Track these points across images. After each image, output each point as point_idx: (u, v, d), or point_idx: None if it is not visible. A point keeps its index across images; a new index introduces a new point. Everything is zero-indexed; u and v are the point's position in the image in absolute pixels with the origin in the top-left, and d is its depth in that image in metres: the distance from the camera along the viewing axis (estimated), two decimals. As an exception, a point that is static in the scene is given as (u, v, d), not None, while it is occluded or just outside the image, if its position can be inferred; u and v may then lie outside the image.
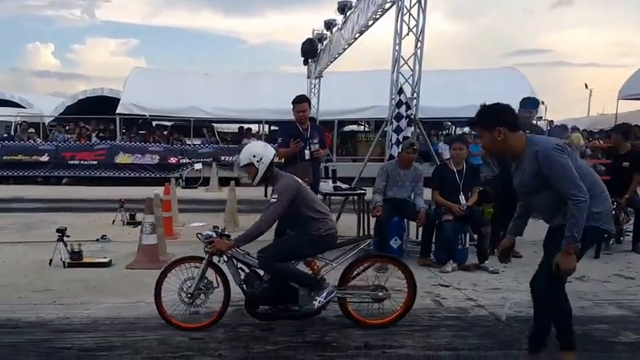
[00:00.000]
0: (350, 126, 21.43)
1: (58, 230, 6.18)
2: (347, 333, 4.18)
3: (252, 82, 18.62)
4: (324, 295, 4.13)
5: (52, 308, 4.67)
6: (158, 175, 15.21)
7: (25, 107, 23.22)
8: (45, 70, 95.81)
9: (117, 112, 16.83)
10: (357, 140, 18.57)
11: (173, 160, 15.45)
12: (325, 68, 11.85)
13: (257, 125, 20.04)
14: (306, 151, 6.21)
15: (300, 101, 6.37)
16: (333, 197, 6.79)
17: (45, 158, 15.58)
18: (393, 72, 7.26)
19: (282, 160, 6.45)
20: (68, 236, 6.23)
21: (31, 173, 15.68)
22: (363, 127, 22.54)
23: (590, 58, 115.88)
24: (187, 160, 15.28)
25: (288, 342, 3.99)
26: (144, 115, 17.35)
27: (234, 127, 21.53)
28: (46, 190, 14.20)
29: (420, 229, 6.48)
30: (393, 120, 7.03)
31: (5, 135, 17.67)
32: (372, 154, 8.07)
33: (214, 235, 4.25)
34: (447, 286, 5.44)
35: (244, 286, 4.26)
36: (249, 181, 4.48)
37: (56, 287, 5.31)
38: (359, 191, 6.59)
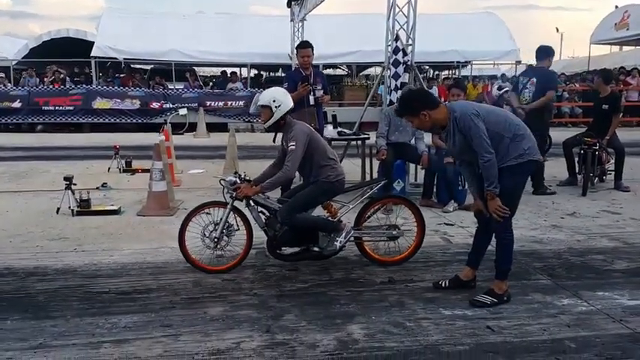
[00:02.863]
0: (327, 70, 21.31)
1: (65, 178, 6.21)
2: (370, 270, 4.47)
3: (234, 25, 18.13)
4: (343, 235, 4.37)
5: (75, 255, 4.80)
6: (140, 121, 15.02)
7: (-16, 50, 22.18)
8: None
9: (91, 54, 16.22)
10: (343, 85, 18.52)
11: (156, 105, 15.20)
12: (310, 11, 11.66)
13: (239, 69, 19.72)
14: (311, 97, 6.28)
15: (305, 46, 6.38)
16: (335, 142, 6.90)
17: (17, 104, 15.12)
18: (389, 19, 7.31)
19: None
20: (75, 184, 6.26)
21: (2, 120, 15.26)
22: (345, 72, 22.47)
23: (558, 1, 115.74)
24: (171, 106, 15.05)
25: (316, 280, 4.26)
26: (117, 58, 16.78)
27: (216, 71, 21.12)
28: (24, 137, 13.94)
29: (421, 171, 6.76)
30: (391, 66, 7.14)
31: (-28, 80, 16.94)
32: (355, 99, 8.22)
33: (238, 181, 4.40)
34: (451, 225, 5.81)
35: (267, 228, 4.45)
36: (262, 124, 4.64)
37: (72, 235, 5.41)
38: (363, 136, 6.74)
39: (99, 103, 15.08)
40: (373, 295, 3.97)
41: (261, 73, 21.91)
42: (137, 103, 15.26)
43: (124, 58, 16.93)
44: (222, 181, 4.50)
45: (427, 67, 20.70)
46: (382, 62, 7.77)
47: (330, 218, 4.55)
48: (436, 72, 22.77)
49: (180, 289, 4.08)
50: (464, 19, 19.25)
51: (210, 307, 3.75)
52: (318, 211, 4.68)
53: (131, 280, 4.23)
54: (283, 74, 21.81)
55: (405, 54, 7.12)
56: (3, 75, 16.67)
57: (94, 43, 16.85)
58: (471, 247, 4.13)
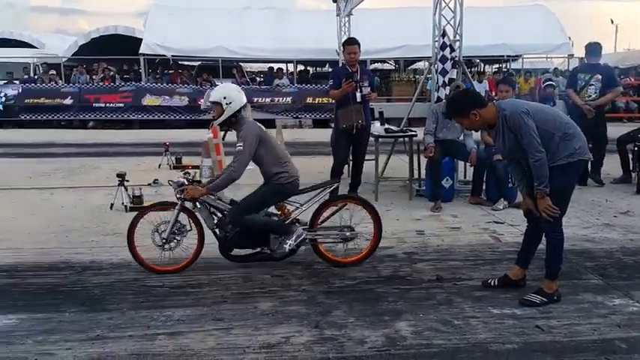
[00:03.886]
0: (374, 65, 21.14)
1: (118, 175, 6.40)
2: (418, 268, 4.46)
3: (280, 20, 18.21)
4: (293, 238, 4.33)
5: (129, 250, 4.93)
6: (188, 118, 15.30)
7: (37, 47, 22.83)
8: (43, 5, 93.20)
9: (140, 52, 16.58)
10: (390, 80, 18.38)
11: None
12: (356, 6, 11.61)
13: (285, 65, 19.80)
14: (358, 94, 6.26)
15: (351, 43, 6.36)
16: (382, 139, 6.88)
17: (68, 101, 15.57)
18: (435, 14, 7.23)
19: (334, 100, 6.56)
20: (127, 181, 6.46)
21: (55, 117, 15.72)
22: (393, 67, 22.30)
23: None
24: (218, 102, 15.24)
25: (364, 277, 4.28)
26: (166, 56, 17.08)
27: (263, 67, 21.25)
28: (75, 134, 14.39)
29: (470, 169, 6.67)
30: (438, 62, 7.06)
31: (25, 77, 17.52)
32: (402, 95, 8.12)
33: (186, 183, 4.38)
34: (501, 223, 5.72)
35: (217, 230, 4.45)
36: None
37: (125, 230, 5.53)
38: (410, 133, 6.69)
39: (148, 100, 15.45)
40: (421, 292, 3.97)
41: (308, 68, 21.92)
42: (185, 100, 15.55)
43: (172, 55, 17.21)
44: (170, 182, 4.50)
45: (477, 60, 20.29)
46: (429, 57, 7.68)
47: (282, 219, 4.50)
48: (486, 66, 22.27)
49: (230, 284, 4.17)
50: (513, 11, 18.74)
51: (260, 302, 3.82)
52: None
53: (184, 275, 4.34)
54: (330, 69, 21.85)
55: (452, 50, 7.03)
56: (54, 72, 17.07)
57: (142, 40, 17.12)
58: (520, 246, 4.06)
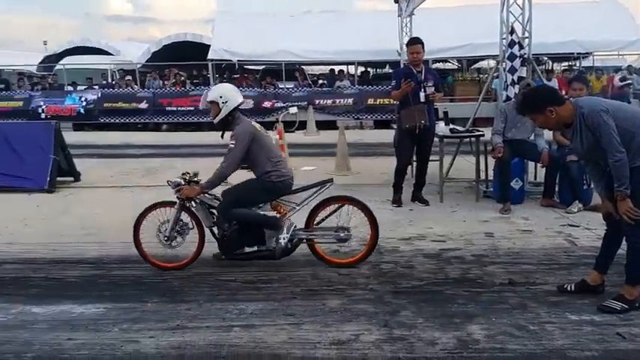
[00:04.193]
0: (436, 64, 20.84)
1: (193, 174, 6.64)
2: (488, 271, 4.39)
3: (340, 22, 18.31)
4: (285, 231, 4.37)
5: (207, 246, 5.01)
6: (253, 120, 15.63)
7: (113, 54, 24.12)
8: (118, 14, 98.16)
9: (208, 57, 17.14)
10: (454, 80, 18.10)
11: (267, 104, 15.81)
12: (418, 6, 11.53)
13: (346, 67, 19.91)
14: (421, 94, 6.21)
15: (414, 43, 6.33)
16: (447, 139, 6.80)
17: (144, 105, 16.30)
18: (502, 11, 7.08)
19: (397, 101, 6.55)
20: (201, 179, 6.68)
21: (131, 120, 16.50)
22: (456, 66, 21.94)
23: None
24: (282, 104, 15.57)
25: (432, 279, 4.26)
26: (232, 61, 17.59)
27: (325, 69, 21.47)
28: (150, 136, 15.02)
29: (541, 170, 6.48)
30: (506, 60, 6.91)
31: (104, 82, 18.52)
32: (466, 94, 7.96)
33: (183, 183, 4.46)
34: (576, 226, 5.53)
35: (214, 228, 4.51)
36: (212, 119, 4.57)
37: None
38: (477, 133, 6.57)
39: (201, 105, 15.87)
40: (492, 296, 3.90)
41: (368, 70, 21.92)
42: (250, 103, 15.89)
43: (238, 60, 17.65)
44: (169, 182, 4.60)
45: (545, 58, 19.57)
46: (494, 55, 7.53)
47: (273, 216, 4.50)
48: (554, 64, 21.42)
49: (299, 281, 4.26)
50: (583, 7, 17.91)
51: (328, 299, 3.89)
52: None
53: (254, 271, 4.47)
54: (391, 70, 21.74)
55: (521, 47, 6.86)
56: (130, 77, 17.96)
57: (209, 46, 17.69)
58: (599, 251, 3.91)
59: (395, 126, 7.35)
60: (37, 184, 7.50)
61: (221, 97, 4.37)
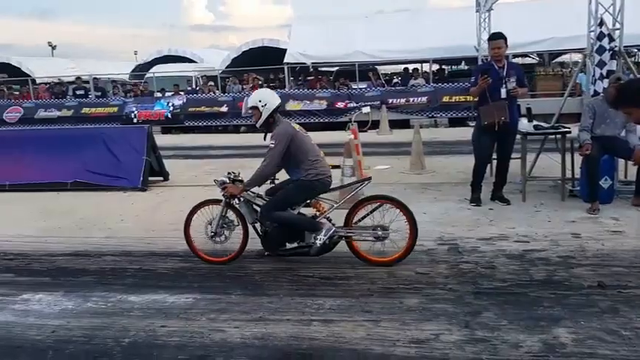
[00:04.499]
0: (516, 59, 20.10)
1: None
2: (575, 273, 4.21)
3: (414, 21, 18.15)
4: (323, 233, 4.44)
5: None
6: (326, 120, 15.86)
7: (196, 62, 25.42)
8: (200, 24, 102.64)
9: (284, 61, 17.55)
10: (535, 75, 17.42)
11: (340, 105, 15.91)
12: (497, 0, 11.21)
13: (420, 65, 19.67)
14: (502, 90, 6.04)
15: (496, 38, 6.15)
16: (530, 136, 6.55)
17: (224, 109, 16.88)
18: (591, 2, 6.75)
19: (475, 98, 6.40)
20: (277, 179, 6.87)
21: (212, 123, 17.20)
22: (536, 60, 21.08)
23: None
24: (355, 104, 15.65)
25: (516, 280, 4.14)
26: (306, 64, 17.89)
27: (398, 69, 21.37)
28: (230, 138, 15.56)
29: (632, 168, 6.11)
30: (595, 54, 6.58)
31: (189, 88, 19.46)
32: (548, 90, 7.60)
33: (227, 181, 4.62)
34: (672, 227, 5.17)
35: (257, 225, 4.68)
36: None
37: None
38: (563, 129, 6.28)
39: (291, 105, 16.20)
40: (580, 299, 3.75)
41: (443, 67, 21.53)
42: (324, 104, 16.12)
43: (312, 63, 17.97)
44: (215, 181, 4.75)
45: (636, 50, 18.36)
46: (579, 49, 7.19)
47: (315, 216, 4.61)
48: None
49: (376, 278, 4.28)
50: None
51: (406, 297, 3.89)
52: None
53: (331, 268, 4.55)
54: (466, 67, 21.21)
55: (611, 39, 6.51)
56: (212, 83, 18.81)
57: (285, 50, 18.15)
58: None
59: (471, 123, 7.18)
60: (132, 184, 8.04)
61: (260, 101, 4.58)
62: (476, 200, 6.35)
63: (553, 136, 6.51)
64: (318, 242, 4.45)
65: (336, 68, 19.53)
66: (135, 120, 16.88)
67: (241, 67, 20.33)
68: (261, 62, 19.52)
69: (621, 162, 6.52)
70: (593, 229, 5.25)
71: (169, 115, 17.15)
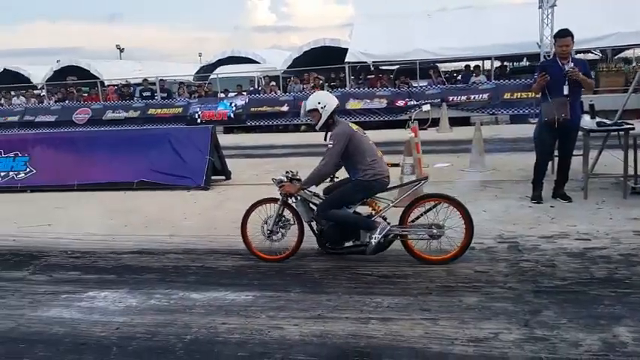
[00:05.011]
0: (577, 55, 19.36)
1: None
2: (637, 271, 4.11)
3: (476, 17, 17.84)
4: (378, 232, 4.48)
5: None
6: (386, 118, 15.82)
7: (259, 62, 25.86)
8: (263, 25, 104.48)
9: (345, 60, 17.63)
10: (597, 71, 16.77)
11: (400, 102, 15.81)
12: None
13: (482, 62, 19.28)
14: (565, 87, 5.91)
15: (563, 35, 6.02)
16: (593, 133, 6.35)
17: (285, 108, 17.12)
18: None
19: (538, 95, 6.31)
20: (337, 177, 6.97)
21: (273, 122, 17.49)
22: (598, 56, 20.20)
23: None
24: (415, 102, 15.52)
25: (576, 278, 4.08)
26: (367, 63, 17.89)
27: (459, 66, 21.01)
28: (290, 137, 15.75)
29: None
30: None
31: (251, 89, 19.84)
32: (611, 85, 7.31)
33: (285, 180, 4.67)
34: None
35: (313, 223, 4.73)
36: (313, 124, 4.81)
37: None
38: (627, 126, 6.05)
39: (352, 104, 16.26)
40: (643, 298, 3.65)
41: (505, 64, 20.98)
42: (384, 102, 16.07)
43: (373, 62, 17.98)
44: (273, 179, 4.80)
45: None
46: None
47: (371, 215, 4.63)
48: None
49: (434, 277, 4.31)
50: None
51: (465, 296, 3.90)
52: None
53: (389, 266, 4.61)
54: (528, 64, 20.55)
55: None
56: (274, 83, 19.10)
57: (346, 49, 18.24)
58: None
59: (533, 120, 7.04)
60: (195, 183, 8.33)
61: (319, 103, 4.66)
62: (537, 198, 6.25)
63: (616, 133, 6.29)
64: (373, 241, 4.51)
65: (397, 66, 19.43)
66: (199, 120, 17.35)
67: (303, 66, 20.51)
68: (323, 62, 19.67)
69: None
70: (658, 227, 5.06)
71: (232, 115, 17.57)
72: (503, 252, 4.69)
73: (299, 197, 4.81)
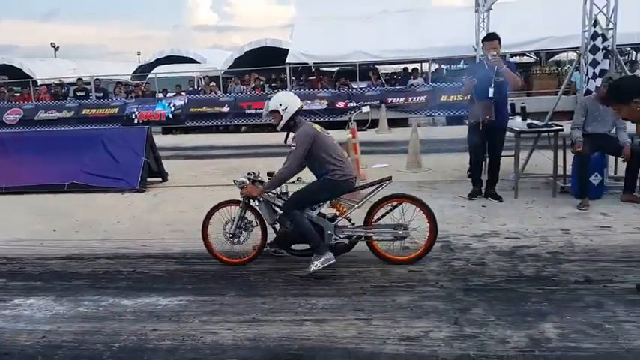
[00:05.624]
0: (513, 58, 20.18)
1: (268, 174, 6.76)
2: (563, 268, 4.28)
3: (416, 21, 18.23)
4: (321, 260, 4.36)
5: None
6: (327, 120, 15.91)
7: (199, 62, 25.43)
8: (204, 24, 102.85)
9: (286, 61, 17.60)
10: (531, 74, 17.50)
11: (341, 104, 15.98)
12: (496, 0, 11.30)
13: (420, 64, 19.72)
14: (490, 89, 6.09)
15: (491, 39, 6.25)
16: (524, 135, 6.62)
17: (225, 109, 16.95)
18: (586, 3, 6.84)
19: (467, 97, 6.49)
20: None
21: (214, 123, 17.25)
22: (533, 59, 21.13)
23: None
24: (355, 104, 15.71)
25: (505, 276, 4.21)
26: (308, 64, 17.94)
27: (399, 68, 21.43)
28: (231, 138, 15.57)
29: (622, 164, 6.20)
30: (588, 53, 6.68)
31: (190, 89, 19.49)
32: (544, 88, 7.71)
33: (247, 182, 4.62)
34: (658, 222, 5.26)
35: (276, 225, 4.68)
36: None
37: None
38: (556, 127, 6.35)
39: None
40: (567, 294, 3.82)
41: (442, 66, 21.62)
42: (325, 103, 16.19)
43: (314, 63, 18.02)
44: (234, 181, 4.75)
45: (629, 49, 18.41)
46: (575, 47, 7.26)
47: (335, 217, 4.61)
48: (638, 54, 20.08)
49: (369, 277, 4.35)
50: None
51: (398, 295, 3.95)
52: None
53: (326, 267, 4.50)
54: (465, 66, 21.19)
55: (604, 39, 6.61)
56: (214, 83, 18.80)
57: (287, 50, 18.19)
58: None
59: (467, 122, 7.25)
60: (130, 185, 8.08)
61: (280, 104, 4.57)
62: (473, 194, 6.50)
63: (546, 134, 6.59)
64: (311, 268, 4.38)
65: (337, 68, 19.59)
66: (136, 121, 16.93)
67: (244, 67, 20.36)
68: (265, 62, 19.57)
69: (611, 159, 6.63)
70: (582, 225, 5.34)
71: (170, 116, 17.20)
72: (436, 251, 4.77)
73: (261, 199, 4.72)
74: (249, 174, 4.78)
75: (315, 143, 4.49)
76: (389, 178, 4.73)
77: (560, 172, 6.63)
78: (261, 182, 4.72)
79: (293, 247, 4.72)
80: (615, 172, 6.92)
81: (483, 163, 6.78)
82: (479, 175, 6.53)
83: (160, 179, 8.76)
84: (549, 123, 6.60)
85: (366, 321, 3.58)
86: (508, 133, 6.44)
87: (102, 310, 4.03)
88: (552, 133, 6.42)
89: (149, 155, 8.39)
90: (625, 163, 6.00)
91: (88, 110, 17.69)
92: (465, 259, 4.60)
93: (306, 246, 4.61)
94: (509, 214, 5.84)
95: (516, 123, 6.53)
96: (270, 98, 4.77)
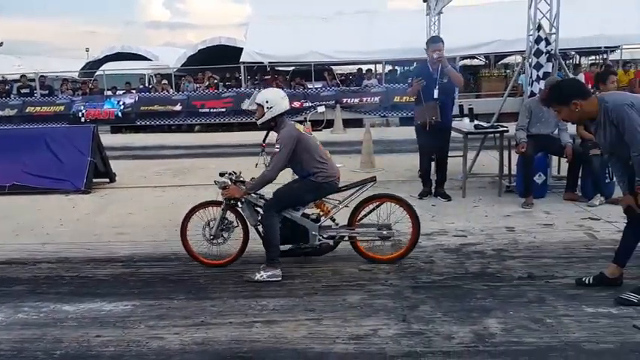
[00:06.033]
0: (463, 61, 20.72)
1: (220, 174, 6.68)
2: (507, 265, 4.41)
3: (371, 23, 18.50)
4: (269, 273, 4.32)
5: (231, 245, 4.96)
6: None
7: (151, 59, 24.81)
8: (157, 20, 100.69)
9: (241, 60, 17.49)
10: (480, 76, 18.00)
11: (296, 104, 15.89)
12: (447, 4, 11.54)
13: (374, 66, 19.94)
14: (435, 91, 6.22)
15: (435, 42, 6.40)
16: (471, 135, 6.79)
17: (178, 108, 16.69)
18: (530, 7, 7.07)
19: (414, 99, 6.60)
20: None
21: (166, 122, 16.92)
22: (483, 62, 21.73)
23: None
24: (310, 104, 15.73)
25: (452, 273, 4.31)
26: (263, 63, 17.88)
27: (354, 69, 21.62)
28: (184, 137, 15.33)
29: (565, 164, 6.45)
30: (532, 56, 6.91)
31: (141, 87, 19.04)
32: (492, 90, 7.97)
33: (229, 183, 4.56)
34: (597, 220, 5.51)
35: (259, 227, 4.60)
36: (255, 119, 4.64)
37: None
38: (501, 129, 6.55)
39: (247, 104, 16.13)
40: (511, 290, 3.93)
41: (396, 68, 21.99)
42: (281, 103, 16.16)
43: (269, 62, 17.96)
44: (215, 182, 4.67)
45: (572, 52, 19.21)
46: (522, 51, 7.50)
47: (319, 217, 4.60)
48: (582, 58, 21.00)
49: (321, 277, 4.36)
50: (612, 0, 17.46)
51: (349, 294, 3.97)
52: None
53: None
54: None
55: (547, 43, 6.86)
56: (166, 82, 18.48)
57: (242, 49, 18.08)
58: (618, 244, 3.89)
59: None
60: (75, 186, 7.79)
61: (267, 101, 4.46)
62: (422, 194, 6.61)
63: (492, 135, 6.78)
64: (257, 276, 4.34)
65: (293, 68, 19.58)
66: (83, 119, 16.42)
67: (198, 65, 20.03)
68: (219, 61, 19.34)
69: (554, 158, 6.89)
70: (526, 223, 5.52)
71: (120, 114, 16.79)
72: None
73: (244, 200, 4.62)
74: (230, 174, 4.68)
75: (299, 144, 4.42)
76: (373, 179, 4.72)
77: (505, 171, 6.84)
78: (243, 182, 4.63)
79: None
80: (558, 172, 7.19)
81: (432, 162, 6.92)
82: (427, 174, 6.66)
83: (108, 180, 8.49)
84: (495, 124, 6.79)
85: (316, 321, 3.58)
86: (456, 134, 6.59)
87: (42, 316, 3.87)
88: (498, 134, 6.62)
89: (95, 155, 8.12)
90: (567, 162, 6.25)
91: (33, 108, 17.07)
92: (414, 257, 4.66)
93: (289, 246, 4.57)
94: (457, 213, 5.99)
95: (464, 124, 6.70)
96: (260, 90, 4.66)
